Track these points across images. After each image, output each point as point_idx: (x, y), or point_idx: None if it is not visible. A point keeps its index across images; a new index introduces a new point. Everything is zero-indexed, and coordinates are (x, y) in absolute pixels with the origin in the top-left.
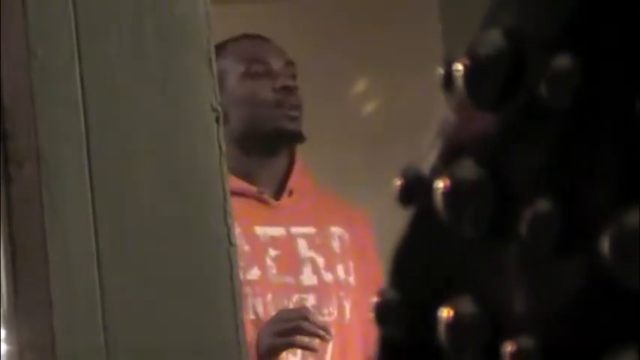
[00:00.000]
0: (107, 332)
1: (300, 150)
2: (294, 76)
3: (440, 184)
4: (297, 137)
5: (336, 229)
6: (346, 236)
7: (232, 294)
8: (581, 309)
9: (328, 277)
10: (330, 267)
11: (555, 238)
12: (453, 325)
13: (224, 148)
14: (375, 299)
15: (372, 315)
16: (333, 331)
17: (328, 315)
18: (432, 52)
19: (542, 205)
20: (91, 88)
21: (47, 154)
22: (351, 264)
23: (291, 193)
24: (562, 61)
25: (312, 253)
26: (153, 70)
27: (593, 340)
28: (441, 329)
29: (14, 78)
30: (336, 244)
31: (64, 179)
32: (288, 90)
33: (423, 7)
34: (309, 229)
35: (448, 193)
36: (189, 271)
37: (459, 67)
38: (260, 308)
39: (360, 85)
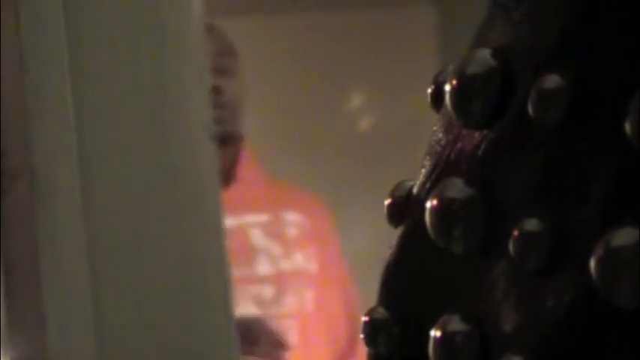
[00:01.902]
0: (101, 348)
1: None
2: (224, 70)
3: (429, 203)
4: (223, 139)
5: (291, 215)
6: (305, 222)
7: (227, 313)
8: (570, 328)
9: (286, 265)
10: (288, 255)
11: (544, 256)
12: (442, 343)
13: (217, 165)
14: (364, 318)
15: (361, 334)
16: (292, 322)
17: (287, 305)
18: (429, 68)
19: (531, 223)
20: (84, 103)
21: (40, 170)
22: (311, 250)
23: (240, 181)
24: (551, 81)
25: (266, 242)
26: (146, 85)
27: (583, 359)
28: (431, 348)
29: (7, 93)
30: (292, 231)
31: (57, 195)
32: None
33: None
34: (262, 217)
35: (437, 212)
36: (185, 288)
37: (447, 85)
38: None
39: (356, 101)
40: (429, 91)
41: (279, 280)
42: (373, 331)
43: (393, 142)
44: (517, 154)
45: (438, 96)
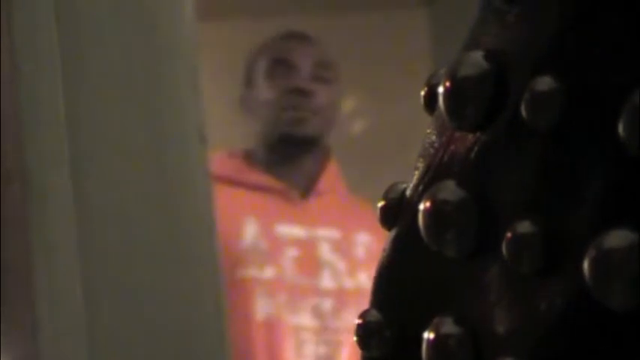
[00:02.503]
0: (93, 350)
1: (339, 153)
2: (321, 78)
3: (422, 206)
4: (304, 142)
5: (363, 236)
6: (374, 243)
7: (219, 314)
8: (564, 330)
9: (348, 283)
10: (352, 273)
11: (537, 259)
12: (436, 345)
13: (209, 169)
14: (357, 320)
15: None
16: (348, 338)
17: (346, 321)
18: (422, 71)
19: (524, 226)
20: (77, 107)
21: (33, 173)
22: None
23: (320, 194)
24: (544, 83)
25: (333, 257)
26: (139, 88)
27: None
28: (424, 350)
29: (1, 97)
30: (360, 251)
31: (50, 198)
32: (300, 92)
33: (412, 26)
34: (334, 233)
35: (430, 214)
36: (178, 293)
37: (440, 88)
38: (272, 309)
39: (349, 104)
40: (422, 93)
41: (339, 296)
42: (366, 333)
43: (386, 145)
44: (510, 156)
45: (431, 98)
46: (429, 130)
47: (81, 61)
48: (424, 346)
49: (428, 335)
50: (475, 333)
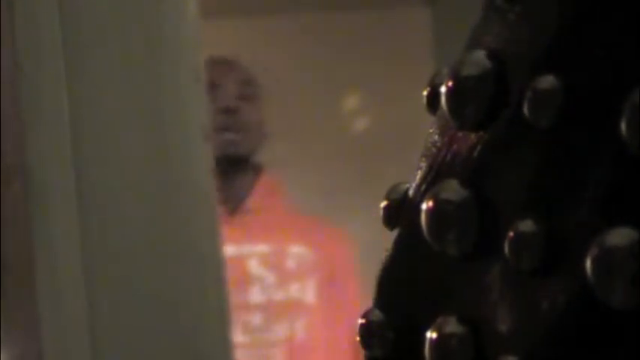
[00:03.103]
0: (95, 348)
1: (279, 168)
2: (246, 96)
3: (424, 205)
4: (234, 161)
5: (295, 248)
6: (308, 255)
7: (221, 313)
8: (565, 329)
9: (278, 295)
10: (282, 285)
11: (539, 257)
12: (438, 345)
13: (212, 166)
14: (360, 320)
15: (356, 336)
16: (282, 350)
17: (276, 334)
18: (424, 70)
19: (526, 224)
20: (79, 105)
21: (35, 171)
22: (309, 282)
23: (249, 211)
24: (546, 82)
25: (262, 271)
26: (142, 86)
27: (578, 359)
28: (427, 349)
29: (2, 95)
30: (291, 263)
31: (51, 196)
32: (226, 111)
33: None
34: (263, 247)
35: (432, 214)
36: (180, 289)
37: (442, 87)
38: None
39: (351, 103)
40: (425, 93)
41: (269, 309)
42: (369, 333)
43: (389, 143)
44: (512, 155)
45: (433, 98)
46: (431, 130)
47: (83, 60)
48: (427, 345)
49: (431, 334)
50: (477, 332)
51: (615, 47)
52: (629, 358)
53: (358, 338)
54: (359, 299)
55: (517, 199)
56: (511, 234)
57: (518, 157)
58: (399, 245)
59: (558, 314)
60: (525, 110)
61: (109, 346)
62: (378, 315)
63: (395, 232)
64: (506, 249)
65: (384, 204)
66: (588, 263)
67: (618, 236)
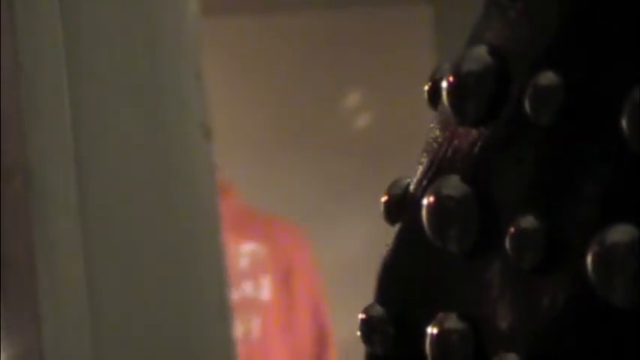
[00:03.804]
0: (97, 347)
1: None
2: None
3: (425, 201)
4: None
5: (248, 246)
6: (262, 252)
7: (223, 313)
8: (565, 326)
9: (234, 295)
10: (236, 284)
11: (540, 254)
12: (439, 341)
13: (213, 163)
14: (360, 315)
15: (358, 331)
16: (237, 349)
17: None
18: (426, 66)
19: (527, 221)
20: (80, 102)
21: (36, 169)
22: (264, 280)
23: None
24: (546, 78)
25: None
26: (142, 84)
27: (578, 356)
28: (427, 345)
29: (3, 92)
30: (244, 261)
31: (52, 194)
32: None
33: (416, 21)
34: None
35: (433, 210)
36: (181, 287)
37: (443, 83)
38: None
39: (353, 99)
40: (426, 88)
41: None
42: (369, 328)
43: (390, 140)
44: (513, 151)
45: (434, 93)
46: (432, 125)
47: (84, 59)
48: (427, 341)
49: (431, 330)
50: (478, 328)
51: (616, 44)
52: (630, 356)
53: (359, 333)
54: (317, 299)
55: (518, 196)
56: (512, 230)
57: (519, 153)
58: (399, 240)
59: (558, 312)
60: (526, 107)
61: (110, 345)
62: (378, 310)
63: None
64: (507, 245)
65: (385, 199)
66: (589, 261)
67: (619, 234)
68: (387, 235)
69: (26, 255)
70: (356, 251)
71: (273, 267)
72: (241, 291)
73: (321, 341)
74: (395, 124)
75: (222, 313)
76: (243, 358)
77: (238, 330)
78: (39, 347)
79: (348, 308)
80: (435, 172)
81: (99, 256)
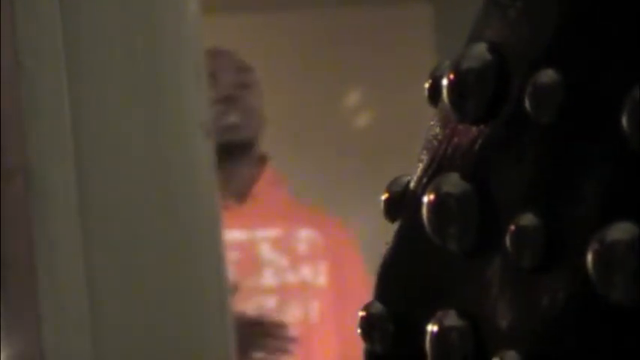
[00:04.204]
0: (97, 346)
1: (281, 160)
2: (243, 84)
3: (425, 198)
4: (240, 147)
5: (304, 232)
6: (318, 239)
7: (222, 312)
8: (565, 324)
9: (291, 277)
10: (295, 268)
11: (540, 252)
12: (439, 338)
13: (214, 163)
14: (360, 313)
15: (357, 328)
16: (296, 332)
17: (290, 316)
18: (426, 65)
19: (527, 219)
20: (80, 102)
21: (36, 169)
22: (321, 265)
23: (256, 198)
24: (546, 76)
25: (274, 255)
26: (142, 84)
27: (578, 355)
28: (427, 343)
29: (3, 92)
30: (302, 246)
31: (53, 194)
32: (228, 99)
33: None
34: (274, 232)
35: (433, 207)
36: (181, 286)
37: (444, 80)
38: None
39: (354, 98)
40: (426, 86)
41: (283, 292)
42: (369, 326)
43: (391, 138)
44: (513, 149)
45: (435, 91)
46: (432, 123)
47: (83, 59)
48: (427, 338)
49: (431, 328)
50: (478, 326)
51: (617, 42)
52: (630, 355)
53: (358, 331)
54: (366, 286)
55: (518, 194)
56: (512, 228)
57: (518, 151)
58: (399, 238)
59: (558, 310)
60: (526, 105)
61: (110, 345)
62: (378, 307)
63: (395, 225)
64: (507, 243)
65: (384, 196)
66: (589, 259)
67: (619, 232)
68: (386, 234)
69: (26, 255)
70: (357, 244)
71: (328, 253)
72: (300, 275)
73: None
74: (395, 122)
75: (221, 312)
76: (302, 340)
77: (296, 313)
78: (39, 347)
79: None
80: (435, 170)
81: (99, 256)
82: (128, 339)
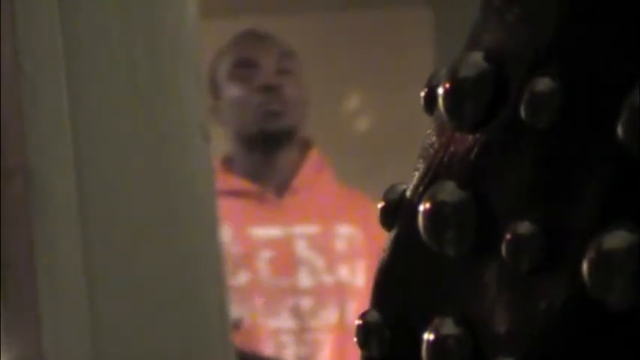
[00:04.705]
0: (96, 349)
1: (321, 147)
2: (285, 71)
3: (421, 207)
4: (282, 135)
5: (345, 228)
6: (358, 235)
7: (221, 312)
8: (562, 330)
9: (328, 279)
10: (331, 268)
11: (536, 259)
12: (436, 346)
13: (213, 166)
14: (357, 322)
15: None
16: (331, 334)
17: (325, 319)
18: (425, 69)
19: (524, 226)
20: (79, 103)
21: (36, 170)
22: (359, 265)
23: (297, 191)
24: (543, 83)
25: (310, 254)
26: (142, 86)
27: (575, 359)
28: (424, 350)
29: (3, 94)
30: (341, 244)
31: (52, 195)
32: (269, 88)
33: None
34: (311, 228)
35: (429, 216)
36: (180, 289)
37: (440, 88)
38: (247, 315)
39: (353, 102)
40: (422, 94)
41: (319, 293)
42: (366, 333)
43: (390, 142)
44: (509, 156)
45: (431, 100)
46: (428, 131)
47: (83, 60)
48: (424, 346)
49: (428, 335)
50: (475, 333)
51: (612, 49)
52: (626, 358)
53: (355, 339)
54: None
55: (514, 201)
56: (508, 236)
57: (515, 158)
58: (396, 246)
59: (555, 315)
60: (522, 112)
61: (110, 345)
62: (374, 315)
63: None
64: (504, 250)
65: (381, 205)
66: (586, 265)
67: (616, 238)
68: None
69: (26, 255)
70: None
71: (368, 252)
72: (336, 275)
73: None
74: (394, 127)
75: (221, 312)
76: (339, 343)
77: (333, 314)
78: (39, 347)
79: None
80: (432, 178)
81: (99, 256)
82: (127, 340)
